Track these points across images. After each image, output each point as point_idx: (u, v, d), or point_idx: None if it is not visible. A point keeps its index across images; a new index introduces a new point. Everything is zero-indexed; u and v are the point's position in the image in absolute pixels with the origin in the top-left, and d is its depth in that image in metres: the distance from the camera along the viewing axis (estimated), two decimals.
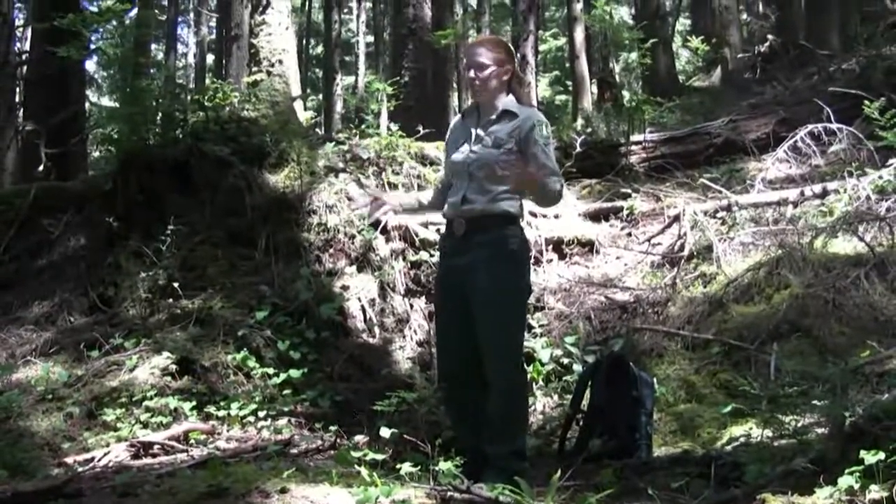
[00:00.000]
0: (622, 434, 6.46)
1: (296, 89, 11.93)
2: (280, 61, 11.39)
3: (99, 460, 6.27)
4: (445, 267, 5.88)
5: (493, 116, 5.65)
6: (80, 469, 6.00)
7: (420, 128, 11.42)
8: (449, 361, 5.83)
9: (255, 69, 11.43)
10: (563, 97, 36.00)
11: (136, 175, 9.57)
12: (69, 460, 6.36)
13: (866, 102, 11.08)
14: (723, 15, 25.09)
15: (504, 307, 5.47)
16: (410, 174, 10.58)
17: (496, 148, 5.53)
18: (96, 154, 21.11)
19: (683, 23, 38.57)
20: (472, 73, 5.69)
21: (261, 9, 11.54)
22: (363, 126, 11.75)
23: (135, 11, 17.68)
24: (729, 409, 6.52)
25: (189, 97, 11.51)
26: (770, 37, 21.79)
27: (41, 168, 14.72)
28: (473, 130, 5.69)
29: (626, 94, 23.97)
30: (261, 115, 10.67)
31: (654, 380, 7.17)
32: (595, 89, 23.74)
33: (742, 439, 6.13)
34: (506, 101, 5.67)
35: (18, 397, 7.33)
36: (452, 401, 5.93)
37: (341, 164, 10.24)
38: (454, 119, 6.09)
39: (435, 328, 6.69)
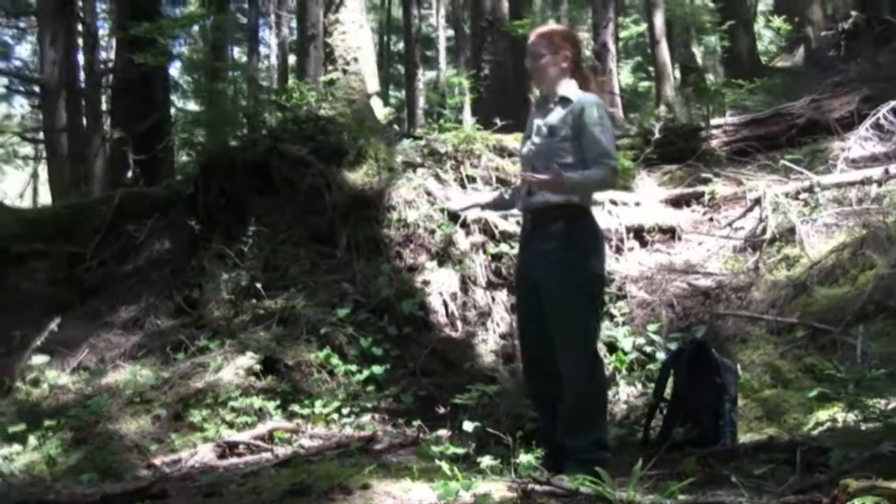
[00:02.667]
0: (706, 421, 6.36)
1: (372, 86, 11.99)
2: (355, 59, 11.44)
3: (186, 461, 6.37)
4: (519, 259, 5.92)
5: (552, 105, 5.65)
6: (167, 470, 6.10)
7: (497, 120, 11.40)
8: (529, 353, 5.84)
9: (330, 68, 11.51)
10: (647, 84, 35.66)
11: (217, 178, 9.69)
12: (157, 461, 6.46)
13: None
14: None
15: (570, 298, 5.43)
16: (489, 167, 10.57)
17: (551, 136, 5.52)
18: (184, 158, 21.47)
19: (767, 2, 37.98)
20: (528, 63, 5.74)
21: (334, 7, 11.61)
22: (441, 120, 11.75)
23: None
24: (814, 393, 6.43)
25: (268, 98, 11.62)
26: (853, 13, 21.32)
27: (129, 174, 14.96)
28: (537, 121, 5.70)
29: (710, 77, 23.70)
30: (337, 113, 10.74)
31: (738, 366, 7.08)
32: (678, 74, 23.52)
33: (828, 424, 6.02)
34: (565, 88, 5.65)
35: (107, 401, 7.46)
36: (534, 392, 5.93)
37: (419, 159, 10.26)
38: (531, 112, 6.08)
39: (516, 320, 6.73)
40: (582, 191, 5.46)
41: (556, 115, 5.58)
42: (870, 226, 8.67)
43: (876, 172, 10.06)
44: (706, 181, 11.28)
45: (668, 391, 6.87)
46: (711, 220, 10.75)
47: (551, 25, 6.69)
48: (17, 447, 6.85)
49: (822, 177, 10.34)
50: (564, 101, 5.59)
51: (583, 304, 5.52)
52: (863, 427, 5.44)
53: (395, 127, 12.38)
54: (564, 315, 5.45)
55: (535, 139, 5.66)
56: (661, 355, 8.10)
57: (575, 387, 5.46)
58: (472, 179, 10.40)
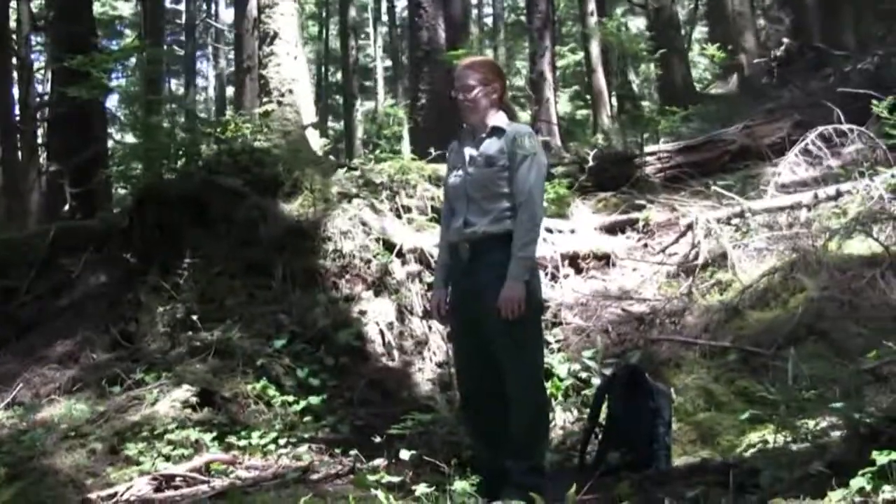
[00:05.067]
0: (640, 446, 6.44)
1: (309, 117, 12.01)
2: (290, 90, 11.49)
3: (122, 495, 6.31)
4: (456, 291, 5.86)
5: (484, 135, 5.69)
6: None
7: (432, 150, 11.45)
8: (469, 383, 5.86)
9: (265, 100, 11.53)
10: (584, 112, 35.90)
11: (152, 211, 9.65)
12: (92, 496, 6.39)
13: (874, 101, 11.02)
14: (737, 21, 25.06)
15: (519, 326, 5.47)
16: (424, 196, 10.62)
17: (489, 167, 5.56)
18: (122, 191, 21.35)
19: (702, 31, 38.41)
20: (460, 96, 5.75)
21: (269, 40, 11.65)
22: (377, 151, 11.80)
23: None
24: (747, 415, 6.52)
25: (203, 130, 11.60)
26: (785, 40, 21.68)
27: (66, 208, 14.83)
28: (467, 151, 5.73)
29: (645, 104, 23.95)
30: (272, 144, 10.73)
31: (672, 390, 7.18)
32: (615, 102, 23.74)
33: (760, 445, 6.11)
34: (495, 118, 5.72)
35: (42, 436, 7.38)
36: (472, 421, 5.96)
37: (354, 190, 10.27)
38: (452, 144, 6.08)
39: (452, 351, 6.76)
40: (531, 251, 5.50)
41: (492, 145, 5.62)
42: (800, 250, 8.82)
43: (805, 197, 10.24)
44: (640, 208, 11.41)
45: (602, 416, 6.94)
46: (646, 246, 10.87)
47: (479, 57, 6.76)
48: None
49: (754, 202, 10.50)
50: (497, 131, 5.65)
51: (531, 332, 5.61)
52: (793, 448, 5.51)
53: (332, 157, 12.37)
54: (518, 345, 5.50)
55: (470, 169, 5.67)
56: (596, 381, 8.13)
57: (529, 412, 5.53)
58: (408, 209, 10.44)
